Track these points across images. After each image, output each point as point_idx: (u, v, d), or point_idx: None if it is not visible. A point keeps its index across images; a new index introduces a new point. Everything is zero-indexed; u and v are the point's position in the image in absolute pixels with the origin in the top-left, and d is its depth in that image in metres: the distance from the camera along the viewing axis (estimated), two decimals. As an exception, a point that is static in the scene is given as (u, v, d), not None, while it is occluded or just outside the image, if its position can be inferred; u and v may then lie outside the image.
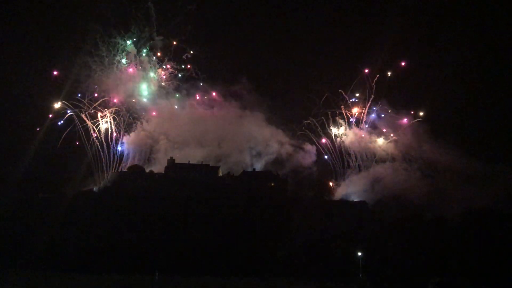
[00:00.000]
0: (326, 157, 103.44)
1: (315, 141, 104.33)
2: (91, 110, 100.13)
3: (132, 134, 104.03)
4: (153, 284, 61.82)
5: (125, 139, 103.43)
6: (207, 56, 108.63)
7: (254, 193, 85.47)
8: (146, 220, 77.42)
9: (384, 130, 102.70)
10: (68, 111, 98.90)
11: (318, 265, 69.51)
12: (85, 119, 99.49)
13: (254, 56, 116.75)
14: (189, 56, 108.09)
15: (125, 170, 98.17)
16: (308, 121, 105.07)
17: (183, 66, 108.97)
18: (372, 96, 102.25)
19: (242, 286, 61.71)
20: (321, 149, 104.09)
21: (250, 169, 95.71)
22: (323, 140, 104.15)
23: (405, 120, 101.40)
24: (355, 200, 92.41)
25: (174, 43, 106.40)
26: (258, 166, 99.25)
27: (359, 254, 67.00)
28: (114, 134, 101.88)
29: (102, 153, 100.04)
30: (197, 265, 70.26)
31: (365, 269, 64.95)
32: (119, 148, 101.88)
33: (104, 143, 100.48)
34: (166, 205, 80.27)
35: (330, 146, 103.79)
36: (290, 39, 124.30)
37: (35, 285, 58.55)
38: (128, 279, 63.15)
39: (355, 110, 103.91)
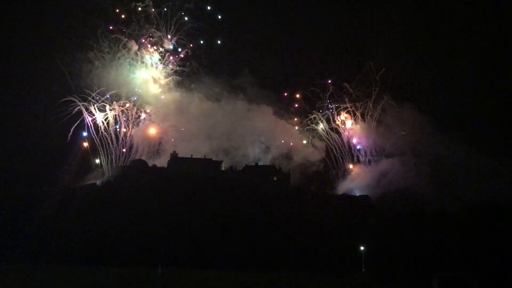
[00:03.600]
0: (334, 151, 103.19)
1: (322, 136, 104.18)
2: (99, 103, 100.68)
3: (140, 126, 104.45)
4: (156, 277, 61.96)
5: (133, 131, 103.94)
6: (207, 51, 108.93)
7: (257, 187, 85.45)
8: (149, 214, 77.65)
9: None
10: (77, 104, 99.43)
11: (320, 259, 69.44)
12: (94, 112, 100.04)
13: (255, 49, 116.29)
14: (189, 52, 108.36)
15: (128, 164, 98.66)
16: (314, 115, 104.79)
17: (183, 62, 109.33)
18: (377, 89, 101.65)
19: (245, 280, 61.72)
20: (329, 144, 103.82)
21: (259, 163, 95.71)
22: (331, 134, 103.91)
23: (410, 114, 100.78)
24: (358, 194, 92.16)
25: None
26: (266, 160, 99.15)
27: (362, 248, 66.84)
28: (123, 128, 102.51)
29: (111, 146, 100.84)
30: (199, 258, 70.47)
31: (368, 264, 64.77)
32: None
33: (113, 136, 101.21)
34: (169, 199, 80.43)
35: (339, 141, 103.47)
36: (292, 32, 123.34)
37: (37, 279, 58.81)
38: (131, 273, 63.35)
39: (360, 104, 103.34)
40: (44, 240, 74.70)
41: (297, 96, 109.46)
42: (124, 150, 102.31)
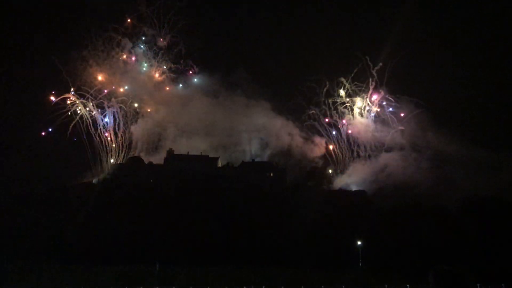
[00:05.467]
0: (334, 147, 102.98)
1: (321, 131, 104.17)
2: (97, 100, 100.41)
3: (139, 121, 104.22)
4: (154, 274, 61.84)
5: (132, 128, 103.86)
6: (201, 48, 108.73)
7: (253, 184, 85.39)
8: (145, 211, 77.44)
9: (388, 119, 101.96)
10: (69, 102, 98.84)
11: (317, 254, 69.57)
12: (92, 109, 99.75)
13: (249, 46, 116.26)
14: (183, 50, 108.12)
15: (124, 162, 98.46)
16: (313, 111, 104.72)
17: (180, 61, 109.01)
18: (373, 84, 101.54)
19: (242, 276, 61.74)
20: (329, 139, 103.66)
21: (258, 159, 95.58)
22: (329, 130, 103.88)
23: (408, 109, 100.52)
24: (354, 189, 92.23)
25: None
26: (265, 156, 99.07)
27: (359, 243, 66.97)
28: (122, 124, 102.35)
29: (110, 143, 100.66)
30: (197, 255, 70.42)
31: (365, 258, 64.90)
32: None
33: (112, 133, 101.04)
34: (165, 196, 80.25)
35: (338, 136, 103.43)
36: (287, 28, 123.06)
37: (36, 277, 58.60)
38: (129, 270, 63.19)
39: (357, 99, 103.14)
40: (41, 238, 74.45)
41: (294, 91, 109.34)
42: (122, 147, 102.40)
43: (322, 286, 53.95)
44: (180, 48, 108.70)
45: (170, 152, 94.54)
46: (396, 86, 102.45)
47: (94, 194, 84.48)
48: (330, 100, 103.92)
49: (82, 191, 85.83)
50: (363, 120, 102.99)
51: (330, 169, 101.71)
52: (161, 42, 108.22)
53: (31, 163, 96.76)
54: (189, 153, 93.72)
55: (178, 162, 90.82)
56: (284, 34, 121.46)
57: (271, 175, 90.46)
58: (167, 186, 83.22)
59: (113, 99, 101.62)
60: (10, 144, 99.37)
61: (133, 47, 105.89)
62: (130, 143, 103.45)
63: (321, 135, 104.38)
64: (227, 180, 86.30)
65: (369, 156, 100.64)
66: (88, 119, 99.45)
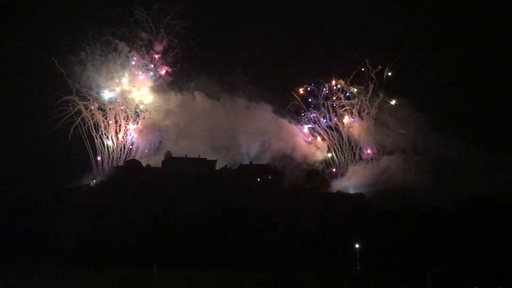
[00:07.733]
0: (336, 150, 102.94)
1: (322, 134, 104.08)
2: (99, 102, 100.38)
3: (140, 122, 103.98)
4: (151, 278, 61.77)
5: (133, 130, 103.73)
6: (198, 51, 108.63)
7: (251, 186, 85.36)
8: (142, 215, 77.25)
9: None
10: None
11: (315, 257, 69.58)
12: (94, 112, 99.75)
13: (247, 48, 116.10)
14: (179, 54, 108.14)
15: (122, 165, 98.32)
16: (313, 113, 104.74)
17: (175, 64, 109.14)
18: (372, 86, 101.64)
19: (240, 280, 61.66)
20: (331, 142, 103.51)
21: (258, 162, 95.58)
22: (330, 133, 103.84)
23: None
24: (352, 192, 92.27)
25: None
26: (266, 158, 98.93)
27: (356, 246, 67.03)
28: (123, 127, 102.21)
29: (113, 145, 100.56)
30: (194, 259, 70.36)
31: (362, 261, 64.95)
32: None
33: (113, 135, 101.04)
34: (163, 199, 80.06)
35: (339, 139, 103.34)
36: (285, 30, 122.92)
37: (32, 279, 58.39)
38: (126, 273, 63.05)
39: (356, 101, 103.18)
40: (38, 241, 74.33)
41: (293, 94, 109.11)
42: (123, 149, 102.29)
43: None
44: (177, 51, 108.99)
45: (168, 155, 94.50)
46: (395, 89, 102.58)
47: (91, 197, 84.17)
48: (329, 103, 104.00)
49: (80, 194, 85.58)
50: (363, 123, 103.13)
51: (329, 171, 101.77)
52: (158, 46, 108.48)
53: (31, 165, 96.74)
54: (188, 156, 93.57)
55: (176, 164, 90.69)
56: (282, 36, 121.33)
57: (269, 177, 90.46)
58: (165, 189, 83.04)
59: (114, 101, 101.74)
60: (10, 146, 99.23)
61: (130, 51, 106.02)
62: (131, 145, 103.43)
63: (322, 138, 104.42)
64: (224, 183, 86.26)
65: (371, 159, 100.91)
66: (90, 121, 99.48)
